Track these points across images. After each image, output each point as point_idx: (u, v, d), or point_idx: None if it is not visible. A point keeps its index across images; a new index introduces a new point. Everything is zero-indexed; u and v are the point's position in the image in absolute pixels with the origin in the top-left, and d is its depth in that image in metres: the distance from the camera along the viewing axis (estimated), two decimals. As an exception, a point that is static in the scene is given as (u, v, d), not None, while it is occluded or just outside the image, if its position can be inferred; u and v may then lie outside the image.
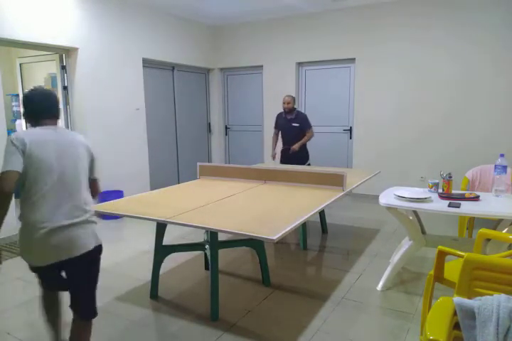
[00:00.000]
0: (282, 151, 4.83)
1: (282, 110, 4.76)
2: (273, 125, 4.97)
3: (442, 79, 5.01)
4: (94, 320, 2.41)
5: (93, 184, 1.91)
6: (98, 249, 1.85)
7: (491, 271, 1.63)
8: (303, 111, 4.78)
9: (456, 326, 1.44)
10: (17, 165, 1.59)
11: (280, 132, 4.87)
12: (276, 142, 4.96)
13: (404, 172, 5.35)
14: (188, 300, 2.69)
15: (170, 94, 5.96)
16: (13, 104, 6.12)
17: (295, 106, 4.73)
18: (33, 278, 3.12)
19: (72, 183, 1.74)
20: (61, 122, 4.66)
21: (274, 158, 4.99)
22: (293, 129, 4.67)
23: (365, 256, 3.49)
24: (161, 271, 2.80)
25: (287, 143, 4.74)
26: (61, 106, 1.89)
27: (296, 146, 4.61)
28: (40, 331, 2.35)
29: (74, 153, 1.76)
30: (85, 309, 1.83)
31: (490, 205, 2.55)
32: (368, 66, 5.43)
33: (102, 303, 2.63)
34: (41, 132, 1.72)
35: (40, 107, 1.78)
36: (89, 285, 1.82)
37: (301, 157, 4.70)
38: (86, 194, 1.81)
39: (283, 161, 4.80)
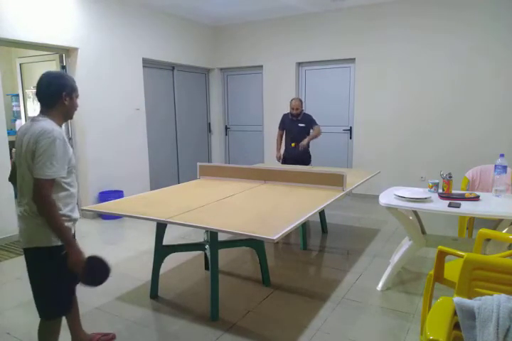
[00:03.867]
0: (285, 152, 4.80)
1: (288, 111, 4.72)
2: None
3: (442, 78, 5.01)
4: (95, 320, 2.41)
5: (33, 183, 1.63)
6: (34, 252, 1.71)
7: (491, 271, 1.63)
8: (309, 113, 4.75)
9: (456, 326, 1.44)
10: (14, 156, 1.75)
11: (285, 133, 4.83)
12: (280, 143, 4.91)
13: (404, 172, 5.35)
14: (188, 300, 2.69)
15: (170, 94, 5.96)
16: (13, 104, 6.12)
17: (303, 109, 4.69)
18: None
19: (21, 178, 1.72)
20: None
21: (279, 159, 4.89)
22: (299, 129, 4.63)
23: (365, 256, 3.49)
24: (161, 271, 2.80)
25: (291, 144, 4.69)
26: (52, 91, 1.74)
27: (304, 142, 4.52)
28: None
29: (22, 147, 1.68)
30: (37, 306, 1.78)
31: (490, 205, 2.55)
32: (368, 66, 5.43)
33: (102, 303, 2.63)
34: (25, 124, 1.75)
35: (36, 94, 1.75)
36: (33, 284, 1.76)
37: (304, 159, 4.67)
38: (28, 191, 1.66)
39: (285, 162, 4.77)
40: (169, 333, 2.30)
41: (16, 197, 3.99)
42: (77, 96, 1.82)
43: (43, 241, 1.68)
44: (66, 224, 1.70)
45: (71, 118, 1.88)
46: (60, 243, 1.69)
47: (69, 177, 1.73)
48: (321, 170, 3.44)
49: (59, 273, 1.73)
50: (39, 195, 1.60)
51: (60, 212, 1.67)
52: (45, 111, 1.74)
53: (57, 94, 1.72)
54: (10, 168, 4.08)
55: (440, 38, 4.93)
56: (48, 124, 1.66)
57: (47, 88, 1.71)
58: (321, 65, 5.87)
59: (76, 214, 1.81)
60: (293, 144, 4.65)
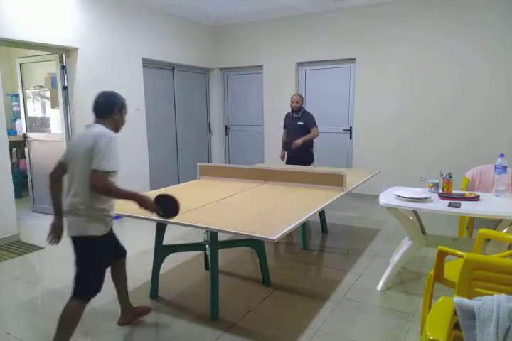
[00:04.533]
0: (288, 151, 4.78)
1: (290, 109, 4.72)
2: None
3: (442, 78, 5.01)
4: (95, 320, 2.41)
5: (90, 175, 1.85)
6: (77, 240, 1.97)
7: (491, 271, 1.63)
8: (310, 112, 4.73)
9: (456, 326, 1.44)
10: (62, 156, 2.05)
11: (287, 132, 4.82)
12: (285, 142, 4.90)
13: (404, 172, 5.35)
14: (188, 300, 2.69)
15: (170, 94, 5.96)
16: (13, 104, 6.12)
17: (303, 106, 4.69)
18: (33, 278, 3.12)
19: (71, 175, 1.96)
20: (62, 121, 4.68)
21: (283, 158, 4.89)
22: (298, 128, 4.60)
23: (365, 256, 3.49)
24: (161, 271, 2.80)
25: (291, 143, 4.69)
26: (110, 106, 2.08)
27: (299, 141, 4.46)
28: (40, 331, 2.35)
29: (78, 148, 1.93)
30: (73, 286, 2.01)
31: (490, 205, 2.55)
32: (368, 66, 5.43)
33: (102, 303, 2.63)
34: (79, 131, 2.09)
35: (92, 109, 2.08)
36: (77, 265, 2.00)
37: (306, 159, 4.65)
38: (78, 186, 1.92)
39: (288, 162, 4.76)
40: (169, 333, 2.30)
41: (15, 197, 4.00)
42: (125, 113, 2.13)
43: (83, 231, 1.92)
44: (106, 219, 1.99)
45: (118, 131, 2.10)
46: (98, 234, 1.95)
47: (114, 177, 1.95)
48: (321, 170, 3.44)
49: (92, 260, 1.99)
50: (99, 185, 1.84)
51: (102, 206, 1.95)
52: (98, 121, 2.04)
53: (109, 109, 2.04)
54: (10, 168, 4.07)
55: (440, 38, 4.93)
56: (103, 129, 1.97)
57: (102, 104, 2.05)
58: (321, 65, 5.87)
59: (113, 212, 2.07)
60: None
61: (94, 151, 1.84)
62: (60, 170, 2.04)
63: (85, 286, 2.01)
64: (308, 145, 4.68)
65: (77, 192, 1.91)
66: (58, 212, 2.05)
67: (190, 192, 3.08)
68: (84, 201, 1.90)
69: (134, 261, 3.42)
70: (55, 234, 2.07)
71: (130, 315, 2.41)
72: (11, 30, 3.79)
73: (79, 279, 2.00)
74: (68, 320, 1.95)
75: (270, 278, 2.95)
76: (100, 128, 1.96)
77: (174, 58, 5.78)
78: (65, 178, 2.02)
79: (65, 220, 2.02)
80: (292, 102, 4.63)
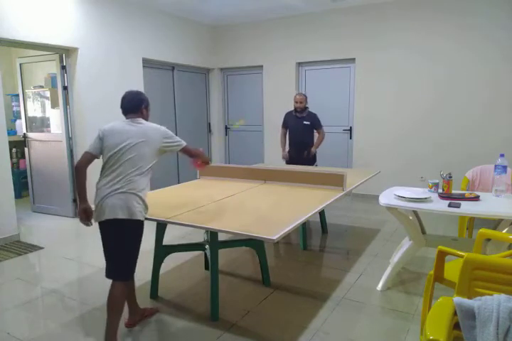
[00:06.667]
0: (291, 152, 4.73)
1: (293, 109, 4.64)
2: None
3: (442, 79, 5.01)
4: (96, 320, 2.41)
5: (185, 150, 2.32)
6: (125, 221, 2.07)
7: (491, 271, 1.63)
8: (313, 111, 4.69)
9: (456, 326, 1.44)
10: (93, 148, 2.16)
11: (288, 131, 4.76)
12: (285, 142, 4.85)
13: (404, 172, 5.35)
14: (188, 300, 2.69)
15: (170, 94, 5.96)
16: (13, 104, 6.12)
17: (307, 106, 4.65)
18: (33, 278, 3.12)
19: (115, 163, 2.10)
20: (62, 121, 4.67)
21: (285, 158, 4.80)
22: (304, 127, 4.57)
23: (365, 256, 3.49)
24: (161, 271, 2.80)
25: (298, 142, 4.63)
26: (142, 104, 2.31)
27: (313, 149, 4.56)
28: (41, 331, 2.35)
29: (133, 141, 2.12)
30: (115, 270, 2.17)
31: (490, 205, 2.55)
32: (368, 66, 5.43)
33: (102, 303, 2.63)
34: (117, 123, 2.21)
35: (122, 106, 2.28)
36: (113, 249, 2.14)
37: (310, 159, 4.62)
38: (129, 171, 2.09)
39: (290, 162, 4.70)
40: (169, 333, 2.30)
41: (15, 197, 3.99)
42: (149, 109, 2.36)
43: (131, 214, 2.07)
44: (146, 203, 2.18)
45: None
46: (142, 218, 2.13)
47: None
48: (321, 170, 3.43)
49: (137, 242, 2.16)
50: (194, 152, 2.39)
51: (145, 191, 2.17)
52: (132, 116, 2.25)
53: (137, 106, 2.27)
54: (10, 168, 4.06)
55: (440, 38, 4.93)
56: (152, 123, 2.27)
57: (130, 101, 2.26)
58: (321, 65, 5.87)
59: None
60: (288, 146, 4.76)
61: (166, 140, 2.21)
62: (87, 161, 2.17)
63: (130, 267, 2.18)
64: (312, 146, 4.65)
65: (126, 177, 2.07)
66: (85, 198, 2.18)
67: (190, 192, 3.07)
68: (135, 186, 2.09)
69: (134, 261, 3.42)
70: (88, 216, 2.20)
71: (138, 316, 2.42)
72: (11, 30, 3.79)
73: (123, 262, 2.14)
74: (120, 302, 2.14)
75: (270, 278, 2.95)
76: (151, 123, 2.25)
77: (174, 58, 5.78)
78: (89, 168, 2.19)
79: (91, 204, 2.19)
80: (296, 102, 4.57)
